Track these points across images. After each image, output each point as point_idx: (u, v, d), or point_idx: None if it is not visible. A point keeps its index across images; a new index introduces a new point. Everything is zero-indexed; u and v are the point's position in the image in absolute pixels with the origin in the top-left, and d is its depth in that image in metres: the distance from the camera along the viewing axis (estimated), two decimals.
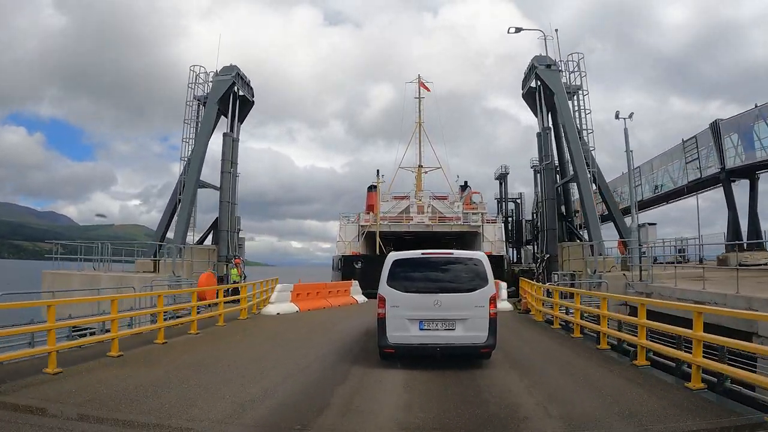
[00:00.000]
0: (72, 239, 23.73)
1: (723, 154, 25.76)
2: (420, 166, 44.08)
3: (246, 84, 25.72)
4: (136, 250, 23.69)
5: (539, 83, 22.59)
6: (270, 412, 5.79)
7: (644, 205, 35.40)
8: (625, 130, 21.18)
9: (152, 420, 5.42)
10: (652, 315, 8.81)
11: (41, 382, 6.94)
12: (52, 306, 7.92)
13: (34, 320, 8.64)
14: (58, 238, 24.47)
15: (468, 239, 36.46)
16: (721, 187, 25.79)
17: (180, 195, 23.01)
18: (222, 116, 25.04)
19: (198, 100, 24.75)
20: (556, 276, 18.08)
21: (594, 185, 21.12)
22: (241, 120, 26.17)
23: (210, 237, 24.82)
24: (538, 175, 22.84)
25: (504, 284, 18.37)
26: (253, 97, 26.47)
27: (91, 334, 10.49)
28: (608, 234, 23.08)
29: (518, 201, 64.88)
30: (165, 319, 11.11)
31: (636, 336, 8.42)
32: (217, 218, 24.34)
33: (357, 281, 22.33)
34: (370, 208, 36.49)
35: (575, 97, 22.33)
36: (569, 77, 22.63)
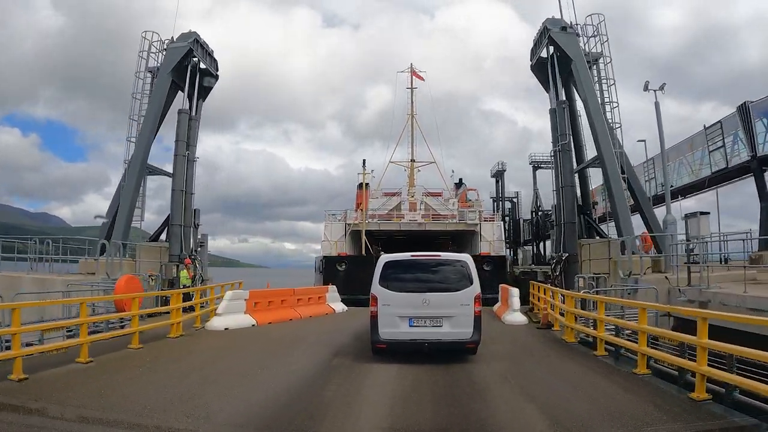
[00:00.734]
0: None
1: (754, 139, 22.54)
2: (412, 161, 40.54)
3: (208, 54, 21.91)
4: (86, 249, 19.81)
5: (553, 50, 18.92)
6: None
7: (658, 200, 32.08)
8: (656, 104, 17.87)
9: None
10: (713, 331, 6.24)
11: None
12: None
13: None
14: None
15: (464, 239, 32.92)
16: (745, 178, 22.70)
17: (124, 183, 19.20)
18: (180, 92, 21.28)
19: (151, 72, 20.98)
20: (581, 280, 14.41)
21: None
22: (203, 97, 22.39)
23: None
24: (551, 158, 19.04)
25: (515, 291, 14.66)
26: (217, 70, 22.65)
27: None
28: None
29: (515, 200, 61.89)
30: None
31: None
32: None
33: (335, 286, 18.55)
34: (360, 206, 32.77)
35: (594, 67, 18.78)
36: (587, 44, 19.08)
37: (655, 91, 17.83)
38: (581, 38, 18.85)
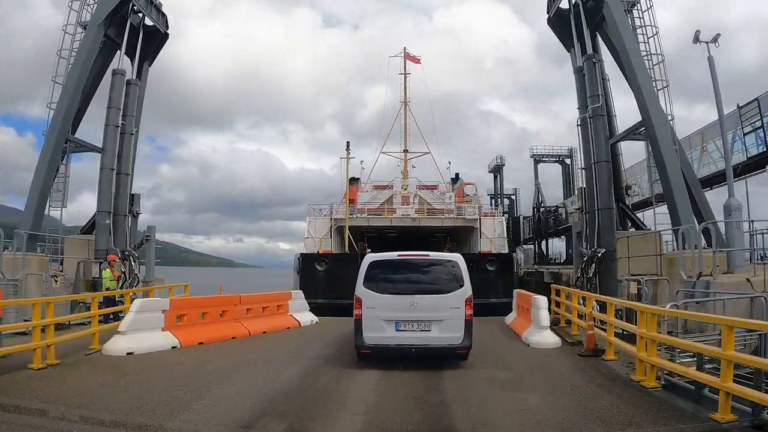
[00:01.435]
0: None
1: None
2: (405, 151, 36.74)
3: (153, 6, 17.93)
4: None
5: None
6: None
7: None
8: (710, 58, 14.12)
9: None
10: None
11: None
12: None
13: None
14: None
15: (463, 236, 29.10)
16: None
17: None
18: (118, 52, 17.30)
19: (82, 26, 17.02)
20: (632, 284, 10.51)
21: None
22: (149, 59, 18.42)
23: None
24: (578, 129, 14.95)
25: (542, 300, 10.38)
26: (167, 27, 18.67)
27: None
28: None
29: (513, 197, 58.43)
30: None
31: None
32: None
33: (301, 291, 14.47)
34: (350, 202, 28.80)
35: (628, 17, 14.95)
36: None
37: (707, 43, 14.15)
38: None
